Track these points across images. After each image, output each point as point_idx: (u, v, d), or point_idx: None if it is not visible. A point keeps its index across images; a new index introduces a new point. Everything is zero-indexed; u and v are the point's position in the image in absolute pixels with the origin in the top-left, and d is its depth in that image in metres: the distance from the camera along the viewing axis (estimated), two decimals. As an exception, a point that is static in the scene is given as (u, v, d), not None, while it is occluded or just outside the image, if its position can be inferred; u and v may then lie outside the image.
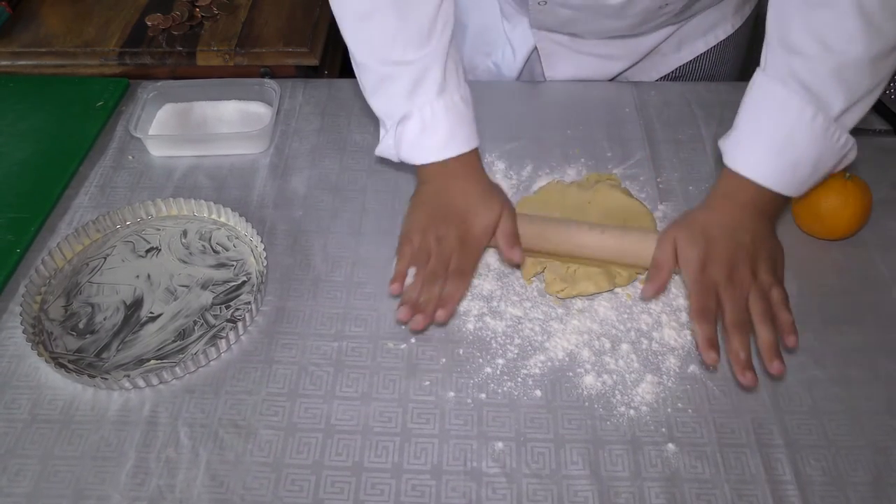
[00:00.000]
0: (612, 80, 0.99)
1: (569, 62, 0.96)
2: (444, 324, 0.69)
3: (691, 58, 0.97)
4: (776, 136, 0.66)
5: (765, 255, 0.67)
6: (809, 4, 0.63)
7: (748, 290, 0.64)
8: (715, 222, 0.68)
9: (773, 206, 0.69)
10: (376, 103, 0.75)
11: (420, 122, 0.71)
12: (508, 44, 0.98)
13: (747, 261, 0.66)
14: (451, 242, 0.70)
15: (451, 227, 0.71)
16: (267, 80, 0.92)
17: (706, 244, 0.66)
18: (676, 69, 0.98)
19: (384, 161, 0.86)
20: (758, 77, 0.69)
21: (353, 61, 0.74)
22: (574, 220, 0.74)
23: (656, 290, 0.67)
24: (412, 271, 0.70)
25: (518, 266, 0.74)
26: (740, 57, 1.01)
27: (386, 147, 0.76)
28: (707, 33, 0.96)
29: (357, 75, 0.75)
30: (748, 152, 0.68)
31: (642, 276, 0.73)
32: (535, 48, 0.96)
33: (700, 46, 0.97)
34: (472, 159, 0.74)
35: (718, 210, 0.69)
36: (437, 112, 0.71)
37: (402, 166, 0.85)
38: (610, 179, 0.82)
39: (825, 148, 0.66)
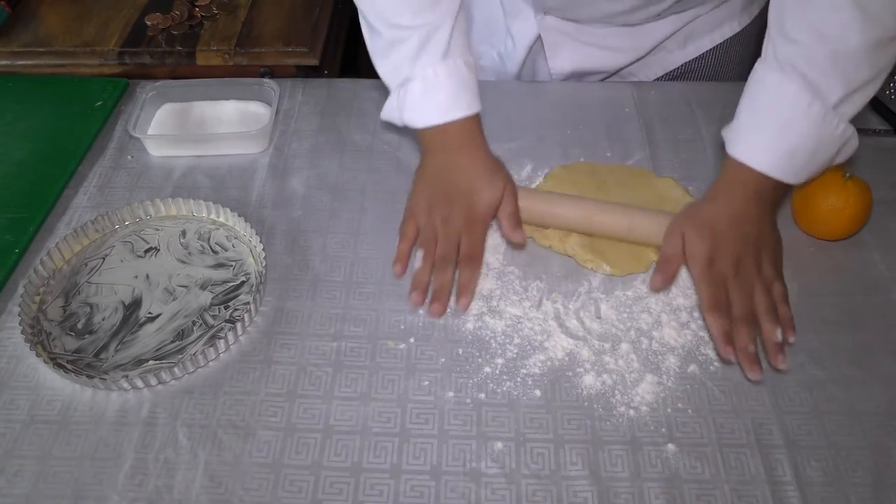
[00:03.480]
0: (615, 73, 0.98)
1: (573, 53, 0.95)
2: (465, 310, 0.70)
3: (697, 55, 0.97)
4: (774, 124, 0.67)
5: (768, 249, 0.69)
6: None
7: (754, 284, 0.67)
8: (721, 215, 0.69)
9: (775, 194, 0.70)
10: (383, 67, 0.77)
11: (423, 84, 0.73)
12: (510, 36, 0.98)
13: (752, 254, 0.68)
14: (456, 224, 0.71)
15: (456, 206, 0.72)
16: (266, 80, 0.92)
17: (713, 238, 0.68)
18: (682, 66, 0.98)
19: (384, 161, 0.86)
20: (758, 67, 0.70)
21: (363, 24, 0.77)
22: (582, 197, 0.76)
23: (665, 281, 0.69)
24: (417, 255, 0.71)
25: (521, 246, 0.75)
26: (747, 55, 1.01)
27: (390, 109, 0.77)
28: (714, 31, 0.95)
29: (366, 38, 0.78)
30: (747, 140, 0.69)
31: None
32: (538, 40, 0.96)
33: (706, 44, 0.96)
34: (474, 127, 0.75)
35: (722, 201, 0.70)
36: (440, 75, 0.73)
37: (402, 165, 0.85)
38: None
39: (823, 136, 0.66)
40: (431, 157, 0.76)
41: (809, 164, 0.68)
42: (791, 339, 0.64)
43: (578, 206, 0.75)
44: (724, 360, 0.66)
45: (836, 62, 0.64)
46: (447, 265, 0.69)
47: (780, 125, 0.67)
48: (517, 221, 0.72)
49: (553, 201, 0.75)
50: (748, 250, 0.68)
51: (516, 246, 0.75)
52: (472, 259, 0.70)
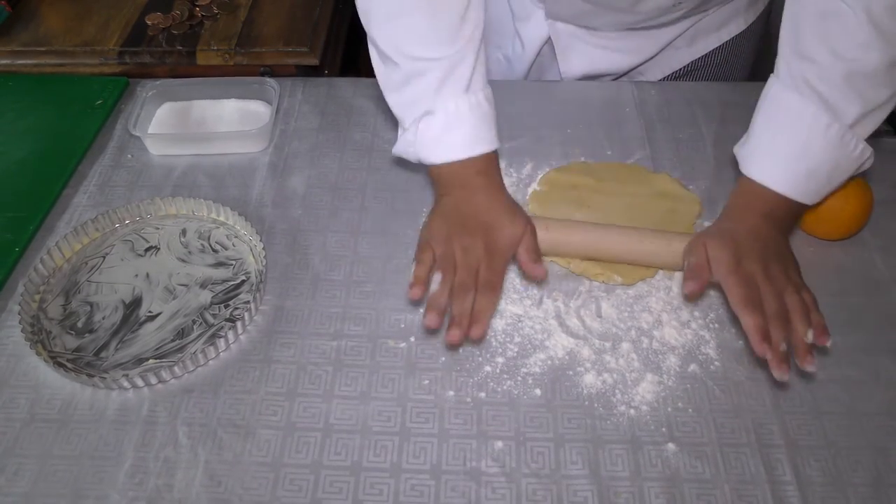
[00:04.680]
0: (625, 74, 0.99)
1: (583, 55, 0.96)
2: (479, 340, 0.66)
3: (704, 52, 0.98)
4: (791, 145, 0.67)
5: (790, 260, 0.68)
6: (820, 14, 0.64)
7: (785, 287, 0.64)
8: (738, 229, 0.68)
9: (789, 214, 0.69)
10: (398, 100, 0.73)
11: (444, 118, 0.70)
12: (518, 38, 0.98)
13: (777, 260, 0.66)
14: (477, 253, 0.67)
15: (477, 237, 0.68)
16: (266, 79, 0.92)
17: (735, 245, 0.66)
18: (689, 64, 0.99)
19: (384, 160, 0.86)
20: (773, 84, 0.69)
21: (379, 56, 0.73)
22: (601, 224, 0.74)
23: (698, 287, 0.65)
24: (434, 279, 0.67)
25: (541, 280, 0.72)
26: (753, 52, 1.02)
27: (404, 144, 0.73)
28: (720, 29, 0.96)
29: (379, 71, 0.74)
30: (764, 160, 0.68)
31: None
32: (547, 42, 0.96)
33: (713, 42, 0.97)
34: (493, 166, 0.72)
35: (739, 220, 0.69)
36: (462, 109, 0.70)
37: (403, 165, 0.85)
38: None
39: (841, 156, 0.66)
40: (448, 195, 0.72)
41: (826, 185, 0.68)
42: (824, 343, 0.62)
43: (593, 233, 0.73)
44: (757, 358, 0.62)
45: (853, 82, 0.64)
46: (467, 292, 0.65)
47: (798, 146, 0.66)
48: (537, 257, 0.69)
49: (570, 230, 0.73)
50: (771, 256, 0.66)
51: (536, 280, 0.72)
52: (491, 287, 0.66)
